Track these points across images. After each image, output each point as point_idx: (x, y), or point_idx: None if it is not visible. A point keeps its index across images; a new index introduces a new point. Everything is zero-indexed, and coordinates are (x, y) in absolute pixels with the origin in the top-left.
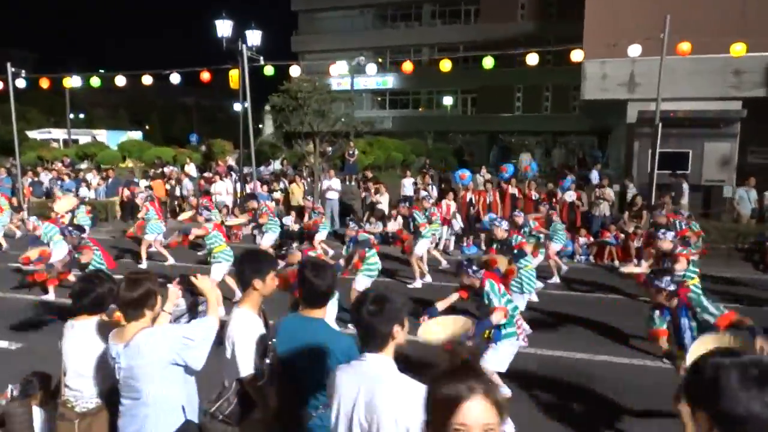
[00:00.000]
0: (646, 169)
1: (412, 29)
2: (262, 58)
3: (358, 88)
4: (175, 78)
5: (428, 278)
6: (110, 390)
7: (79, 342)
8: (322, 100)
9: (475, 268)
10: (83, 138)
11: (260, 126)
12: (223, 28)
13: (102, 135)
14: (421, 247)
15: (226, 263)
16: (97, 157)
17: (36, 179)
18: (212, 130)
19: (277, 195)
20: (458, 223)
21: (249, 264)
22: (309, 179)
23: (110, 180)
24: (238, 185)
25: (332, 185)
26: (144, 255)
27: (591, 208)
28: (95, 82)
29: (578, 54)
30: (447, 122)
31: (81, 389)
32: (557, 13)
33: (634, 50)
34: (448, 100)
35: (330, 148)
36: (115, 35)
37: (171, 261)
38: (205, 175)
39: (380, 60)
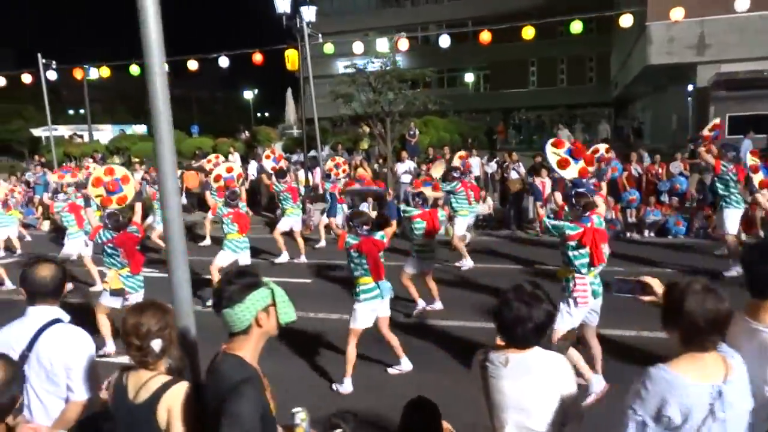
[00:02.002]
0: (724, 135)
1: (418, 7)
2: (320, 35)
3: (349, 72)
4: (223, 62)
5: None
6: None
7: (528, 385)
8: (393, 78)
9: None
10: (95, 134)
11: (266, 114)
12: (283, 4)
13: (107, 130)
14: (460, 226)
15: (231, 253)
16: (130, 151)
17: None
18: (213, 121)
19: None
20: (558, 200)
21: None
22: (379, 162)
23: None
24: (300, 173)
25: (407, 168)
26: (160, 242)
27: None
28: (135, 70)
29: (678, 12)
30: (464, 101)
31: None
32: None
33: (742, 4)
34: (469, 78)
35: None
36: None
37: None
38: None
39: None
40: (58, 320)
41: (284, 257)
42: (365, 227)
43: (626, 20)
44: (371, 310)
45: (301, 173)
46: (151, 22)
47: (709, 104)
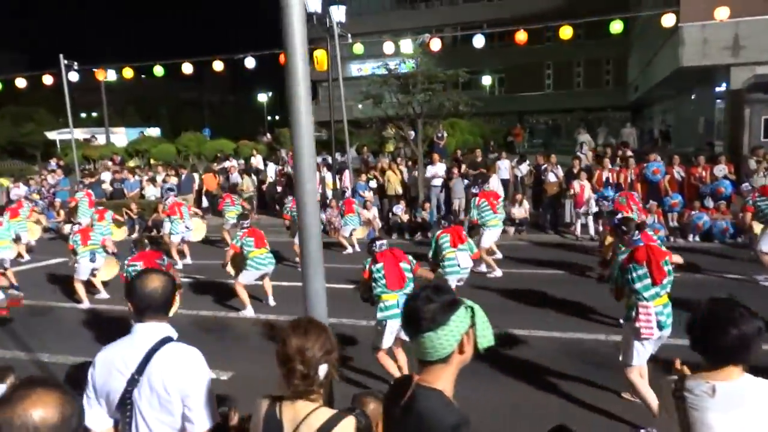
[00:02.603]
0: (759, 138)
1: (432, 9)
2: (350, 35)
3: (379, 74)
4: (249, 63)
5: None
6: None
7: (742, 419)
8: (427, 79)
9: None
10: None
11: (276, 117)
12: (314, 3)
13: (121, 133)
14: (489, 239)
15: (255, 272)
16: (150, 153)
17: (93, 180)
18: (224, 124)
19: (373, 184)
20: (594, 205)
21: None
22: (408, 165)
23: (183, 176)
24: (328, 176)
25: (438, 171)
26: (176, 256)
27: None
28: (159, 71)
29: (723, 11)
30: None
31: None
32: None
33: None
34: (485, 80)
35: (412, 132)
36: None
37: (188, 260)
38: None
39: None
40: (169, 339)
41: None
42: (381, 243)
43: (668, 20)
44: (390, 331)
45: (328, 176)
46: (296, 21)
47: (743, 107)
